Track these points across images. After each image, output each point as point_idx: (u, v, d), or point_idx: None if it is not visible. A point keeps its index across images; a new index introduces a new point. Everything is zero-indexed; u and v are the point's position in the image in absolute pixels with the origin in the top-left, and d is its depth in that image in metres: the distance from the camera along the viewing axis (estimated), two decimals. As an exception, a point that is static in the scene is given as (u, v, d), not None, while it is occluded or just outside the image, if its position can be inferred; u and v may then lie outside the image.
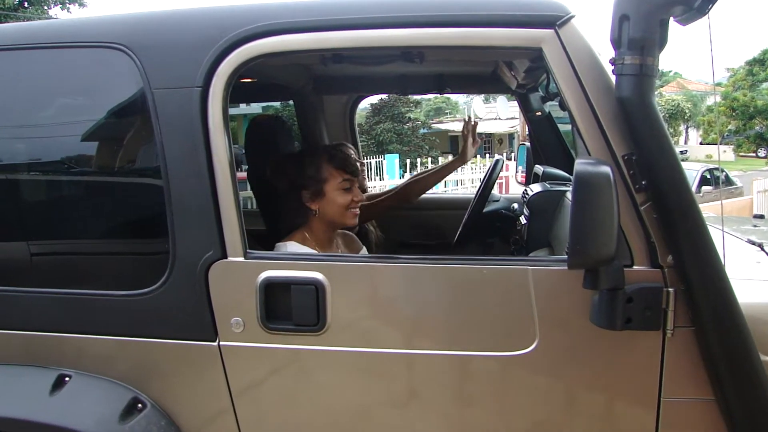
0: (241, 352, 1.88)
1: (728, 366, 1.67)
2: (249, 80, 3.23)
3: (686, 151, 31.60)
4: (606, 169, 1.49)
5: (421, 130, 27.74)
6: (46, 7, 22.32)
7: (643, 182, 1.67)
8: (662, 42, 1.60)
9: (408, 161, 16.10)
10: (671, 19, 1.63)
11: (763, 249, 2.25)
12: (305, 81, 3.42)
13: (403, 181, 3.42)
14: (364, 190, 3.33)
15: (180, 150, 1.84)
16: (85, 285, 1.99)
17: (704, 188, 14.93)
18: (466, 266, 1.82)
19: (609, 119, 1.68)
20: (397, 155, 19.34)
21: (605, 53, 1.73)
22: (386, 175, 15.96)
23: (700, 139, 37.11)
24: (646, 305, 1.68)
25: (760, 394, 1.68)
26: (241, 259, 1.86)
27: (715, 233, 2.45)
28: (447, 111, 49.96)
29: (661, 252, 1.69)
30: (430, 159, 16.78)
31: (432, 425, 1.89)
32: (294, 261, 1.90)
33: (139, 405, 1.92)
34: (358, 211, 2.29)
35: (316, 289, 1.81)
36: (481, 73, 3.18)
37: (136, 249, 2.10)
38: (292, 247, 2.18)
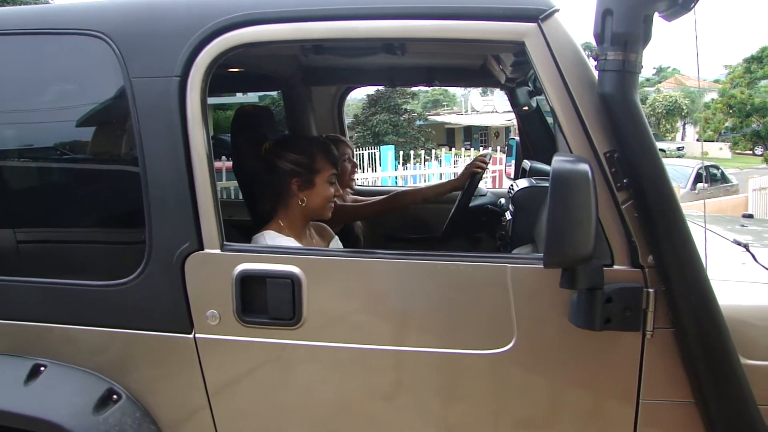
0: (216, 344, 1.87)
1: (707, 368, 1.65)
2: (237, 70, 3.20)
3: (683, 147, 31.64)
4: (584, 167, 1.47)
5: (417, 122, 27.65)
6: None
7: (625, 180, 1.65)
8: (646, 38, 1.57)
9: (403, 153, 16.06)
10: (656, 14, 1.60)
11: (748, 250, 2.23)
12: (293, 71, 3.39)
13: (394, 190, 3.41)
14: (350, 186, 3.31)
15: (157, 140, 1.82)
16: (61, 274, 1.97)
17: (699, 185, 14.96)
18: (444, 262, 1.80)
19: (591, 116, 1.66)
20: (393, 147, 19.29)
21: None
22: (380, 167, 15.92)
23: (697, 136, 37.15)
24: (625, 305, 1.66)
25: (738, 397, 1.66)
26: (218, 251, 1.83)
27: (700, 232, 2.45)
28: (444, 103, 49.92)
29: (642, 252, 1.67)
30: (424, 151, 16.69)
31: (409, 421, 1.88)
32: (271, 254, 1.88)
33: (114, 396, 1.91)
34: (332, 205, 2.31)
35: (292, 282, 1.79)
36: (470, 66, 3.16)
37: (113, 239, 2.07)
38: (270, 236, 2.15)
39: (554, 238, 1.47)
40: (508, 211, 2.71)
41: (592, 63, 1.68)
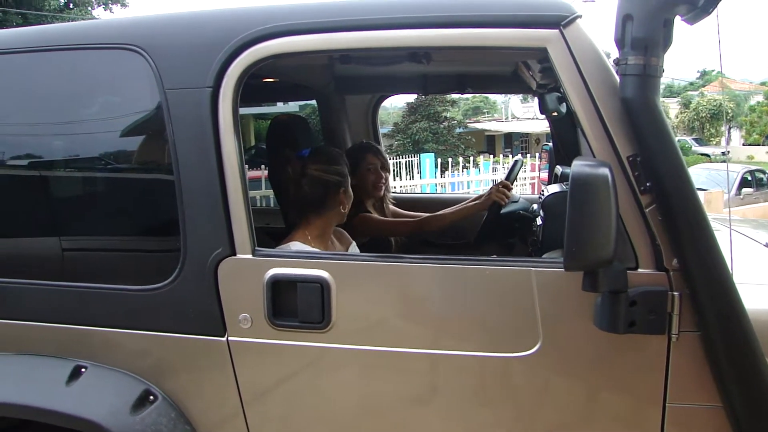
0: (248, 347, 1.92)
1: (734, 372, 1.64)
2: (271, 80, 3.27)
3: (728, 152, 30.87)
4: (604, 170, 1.48)
5: (457, 130, 27.60)
6: (90, 8, 22.86)
7: (648, 184, 1.65)
8: (666, 42, 1.58)
9: (442, 161, 16.05)
10: (678, 18, 1.61)
11: (780, 253, 2.20)
12: (327, 81, 3.45)
13: (431, 198, 3.43)
14: (375, 196, 3.27)
15: (191, 149, 1.88)
16: (101, 279, 2.05)
17: (744, 190, 14.59)
18: (470, 266, 1.82)
19: (614, 120, 1.67)
20: (433, 154, 19.31)
21: (614, 54, 1.72)
22: (417, 175, 15.98)
23: (742, 140, 36.20)
24: (650, 309, 1.66)
25: (766, 402, 1.65)
26: (250, 256, 1.89)
27: (732, 236, 2.42)
28: (485, 110, 49.68)
29: (666, 255, 1.67)
30: (462, 159, 16.65)
31: (435, 423, 1.90)
32: (301, 259, 1.93)
33: (151, 397, 1.97)
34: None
35: (321, 287, 1.83)
36: (501, 73, 3.17)
37: (151, 245, 2.15)
38: (296, 246, 2.21)
39: (574, 242, 1.49)
40: (539, 217, 2.72)
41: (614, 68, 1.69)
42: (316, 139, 3.31)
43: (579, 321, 1.74)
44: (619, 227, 1.51)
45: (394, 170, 16.00)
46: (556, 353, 1.78)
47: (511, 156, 19.60)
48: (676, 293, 1.67)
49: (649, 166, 1.63)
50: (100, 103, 2.07)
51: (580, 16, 1.72)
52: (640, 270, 1.70)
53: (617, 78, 1.66)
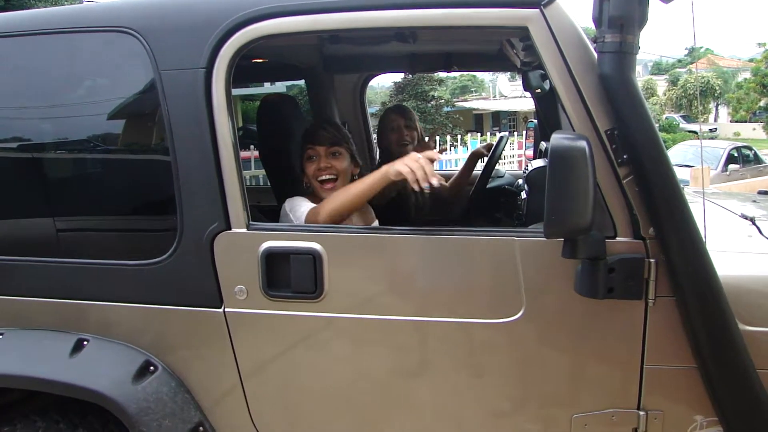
0: (244, 318, 2.00)
1: (706, 334, 1.74)
2: (261, 60, 3.32)
3: (716, 129, 31.04)
4: (582, 143, 1.56)
5: (445, 109, 27.55)
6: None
7: (625, 156, 1.73)
8: (642, 20, 1.65)
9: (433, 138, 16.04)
10: None
11: (754, 223, 2.29)
12: (316, 61, 3.49)
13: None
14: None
15: (186, 128, 1.94)
16: (102, 255, 2.11)
17: (731, 166, 14.73)
18: (456, 237, 1.90)
19: (592, 96, 1.74)
20: (421, 134, 19.27)
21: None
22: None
23: (729, 117, 36.39)
24: (627, 275, 1.75)
25: (738, 362, 1.75)
26: (244, 230, 1.96)
27: (710, 207, 2.51)
28: (473, 89, 49.54)
29: (643, 224, 1.76)
30: (449, 138, 16.65)
31: (424, 389, 1.99)
32: (293, 232, 2.00)
33: (151, 367, 2.05)
34: (328, 185, 2.33)
35: (313, 258, 1.91)
36: (487, 51, 3.23)
37: (149, 221, 2.21)
38: (296, 200, 2.27)
39: (553, 210, 1.57)
40: (524, 191, 2.79)
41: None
42: (305, 118, 3.36)
43: (560, 288, 1.82)
44: (596, 197, 1.59)
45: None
46: (538, 319, 1.87)
47: (498, 134, 19.64)
48: (652, 260, 1.76)
49: (626, 139, 1.71)
50: (97, 85, 2.12)
51: None
52: (618, 238, 1.78)
53: (596, 55, 1.73)
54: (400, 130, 3.33)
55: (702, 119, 32.43)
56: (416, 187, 1.87)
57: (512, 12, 1.80)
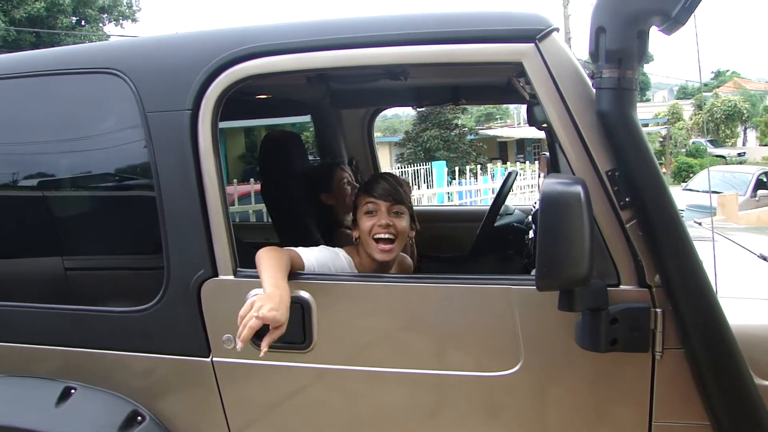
0: (232, 368, 1.92)
1: (719, 389, 1.61)
2: (265, 96, 3.28)
3: (744, 153, 30.51)
4: (576, 188, 1.45)
5: (469, 137, 27.53)
6: (101, 25, 23.18)
7: (627, 199, 1.63)
8: (641, 54, 1.56)
9: (452, 168, 16.00)
10: (655, 29, 1.59)
11: (773, 264, 2.15)
12: (322, 96, 3.45)
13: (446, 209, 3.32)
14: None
15: (172, 171, 1.89)
16: (88, 302, 2.07)
17: (760, 192, 14.41)
18: (448, 285, 1.81)
19: (591, 134, 1.65)
20: (445, 162, 19.25)
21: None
22: (435, 183, 15.93)
23: (757, 141, 35.77)
24: (632, 326, 1.63)
25: (753, 419, 1.61)
26: (231, 277, 1.89)
27: (726, 246, 2.38)
28: (497, 116, 49.58)
29: (648, 271, 1.65)
30: (470, 167, 16.56)
31: None
32: None
33: (139, 417, 1.98)
34: (386, 246, 2.07)
35: (302, 307, 1.82)
36: (495, 83, 3.15)
37: (135, 267, 2.16)
38: (334, 253, 2.11)
39: (545, 261, 1.46)
40: (531, 230, 2.70)
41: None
42: (309, 154, 3.31)
43: (561, 339, 1.71)
44: (594, 245, 1.48)
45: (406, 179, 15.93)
46: (538, 373, 1.75)
47: (526, 162, 19.43)
48: (658, 310, 1.64)
49: (628, 181, 1.61)
50: (83, 126, 2.07)
51: (556, 29, 1.71)
52: (621, 287, 1.67)
53: (594, 91, 1.64)
54: (352, 184, 3.04)
55: (730, 143, 32.00)
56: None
57: (506, 47, 1.72)
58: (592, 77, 1.63)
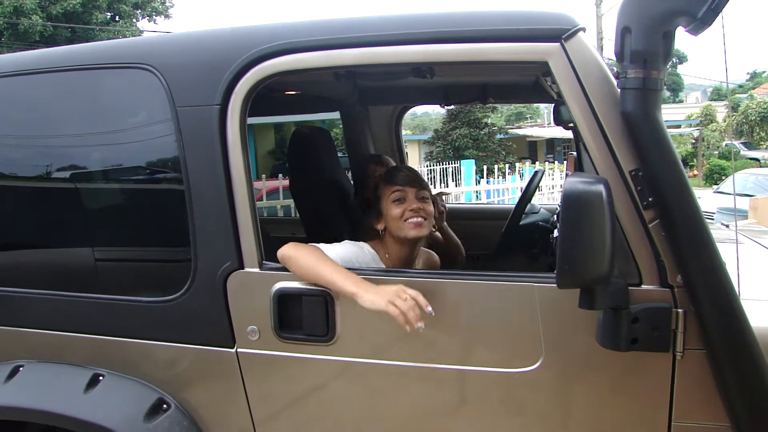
0: (256, 358, 1.95)
1: (740, 391, 1.61)
2: (294, 93, 3.32)
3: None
4: (599, 187, 1.46)
5: (498, 136, 27.35)
6: (135, 21, 23.56)
7: (651, 199, 1.63)
8: (666, 55, 1.55)
9: (485, 167, 15.93)
10: (681, 29, 1.58)
11: (801, 268, 2.13)
12: (350, 92, 3.48)
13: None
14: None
15: (201, 165, 1.93)
16: (117, 291, 2.11)
17: (795, 196, 14.10)
18: (472, 281, 1.82)
19: (616, 134, 1.65)
20: (473, 161, 19.18)
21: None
22: (463, 182, 15.90)
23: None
24: (653, 326, 1.63)
25: None
26: (257, 270, 1.92)
27: (753, 248, 2.36)
28: (527, 116, 49.20)
29: (670, 271, 1.64)
30: (499, 166, 16.45)
31: None
32: None
33: (164, 405, 2.03)
34: (419, 220, 2.15)
35: (325, 300, 1.85)
36: (523, 82, 3.16)
37: (164, 259, 2.20)
38: (359, 247, 2.16)
39: (566, 259, 1.47)
40: (556, 229, 2.69)
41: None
42: (336, 150, 3.34)
43: (581, 337, 1.72)
44: (615, 244, 1.48)
45: (434, 177, 15.94)
46: (558, 370, 1.76)
47: (555, 162, 19.28)
48: (680, 310, 1.64)
49: (651, 181, 1.61)
50: (116, 119, 2.12)
51: (582, 29, 1.71)
52: (643, 286, 1.67)
53: (619, 91, 1.64)
54: None
55: (765, 146, 31.29)
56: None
57: (532, 46, 1.73)
58: (617, 77, 1.63)
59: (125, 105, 2.12)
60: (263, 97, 1.99)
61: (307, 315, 1.88)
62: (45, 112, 2.19)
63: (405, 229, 2.15)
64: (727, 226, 3.30)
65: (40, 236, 2.27)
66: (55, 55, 2.16)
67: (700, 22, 1.50)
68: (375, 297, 1.73)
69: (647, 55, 1.54)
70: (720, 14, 1.49)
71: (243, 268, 1.93)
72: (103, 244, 2.22)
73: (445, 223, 3.14)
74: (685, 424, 1.71)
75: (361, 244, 2.17)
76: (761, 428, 1.62)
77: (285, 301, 1.90)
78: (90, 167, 2.23)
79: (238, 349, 1.96)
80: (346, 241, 2.17)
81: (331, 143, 3.28)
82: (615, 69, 1.70)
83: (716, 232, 2.74)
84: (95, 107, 2.14)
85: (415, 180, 2.22)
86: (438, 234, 2.94)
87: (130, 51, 2.08)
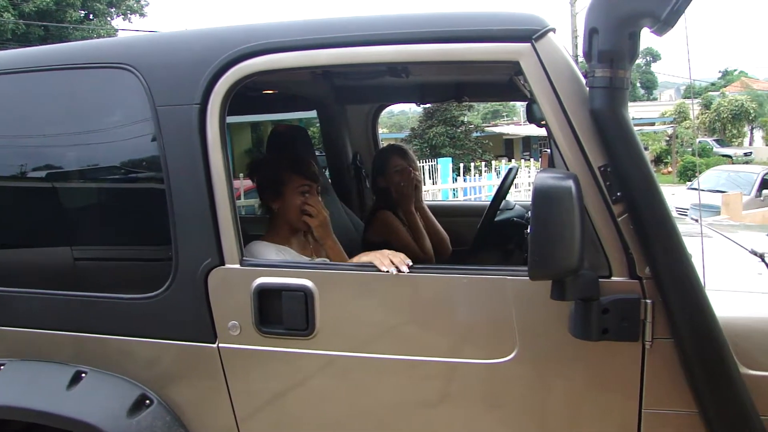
0: (238, 354, 1.98)
1: (705, 378, 1.67)
2: (272, 92, 3.35)
3: (751, 153, 30.35)
4: (568, 183, 1.52)
5: (475, 134, 27.50)
6: (109, 18, 23.33)
7: (619, 193, 1.69)
8: (633, 55, 1.62)
9: (456, 165, 16.02)
10: (646, 30, 1.65)
11: (764, 260, 2.21)
12: (327, 91, 3.51)
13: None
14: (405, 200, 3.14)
15: (181, 163, 1.96)
16: (98, 288, 2.13)
17: (765, 191, 14.38)
18: (448, 276, 1.87)
19: (585, 131, 1.71)
20: (450, 159, 19.27)
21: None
22: (440, 180, 15.99)
23: (763, 141, 35.58)
24: (623, 316, 1.70)
25: (738, 407, 1.67)
26: (237, 266, 1.96)
27: (720, 242, 2.43)
28: (504, 114, 49.49)
29: (639, 263, 1.71)
30: (474, 163, 16.56)
31: (417, 426, 1.95)
32: (285, 268, 1.99)
33: (147, 401, 2.05)
34: (310, 216, 2.35)
35: (305, 295, 1.89)
36: (497, 81, 3.21)
37: (145, 256, 2.22)
38: (257, 246, 2.30)
39: (536, 252, 1.53)
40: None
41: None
42: (315, 148, 3.37)
43: (554, 328, 1.77)
44: (584, 237, 1.54)
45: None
46: (532, 360, 1.82)
47: (531, 159, 19.44)
48: (648, 301, 1.70)
49: (619, 176, 1.67)
50: (96, 119, 2.14)
51: (552, 30, 1.77)
52: (613, 278, 1.73)
53: (587, 90, 1.70)
54: (402, 173, 3.12)
55: (736, 143, 31.86)
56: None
57: (504, 47, 1.78)
58: (586, 76, 1.69)
59: (105, 105, 2.13)
60: (241, 96, 2.02)
61: (287, 310, 1.91)
62: (25, 112, 2.19)
63: (301, 223, 2.37)
64: (697, 221, 3.39)
65: (24, 235, 2.28)
66: (34, 55, 2.17)
67: (663, 24, 1.57)
68: (368, 257, 1.96)
69: (614, 55, 1.60)
70: (683, 16, 1.56)
71: (224, 265, 1.96)
72: (85, 242, 2.24)
73: (432, 216, 3.22)
74: (655, 411, 1.77)
75: (259, 243, 2.32)
76: (726, 413, 1.69)
77: (265, 296, 1.93)
78: (71, 167, 2.23)
79: (220, 345, 1.99)
80: (257, 243, 2.32)
81: (309, 141, 3.31)
82: (583, 68, 1.77)
83: (686, 226, 2.82)
84: (76, 107, 2.15)
85: (316, 176, 2.42)
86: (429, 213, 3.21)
87: (109, 51, 2.10)
